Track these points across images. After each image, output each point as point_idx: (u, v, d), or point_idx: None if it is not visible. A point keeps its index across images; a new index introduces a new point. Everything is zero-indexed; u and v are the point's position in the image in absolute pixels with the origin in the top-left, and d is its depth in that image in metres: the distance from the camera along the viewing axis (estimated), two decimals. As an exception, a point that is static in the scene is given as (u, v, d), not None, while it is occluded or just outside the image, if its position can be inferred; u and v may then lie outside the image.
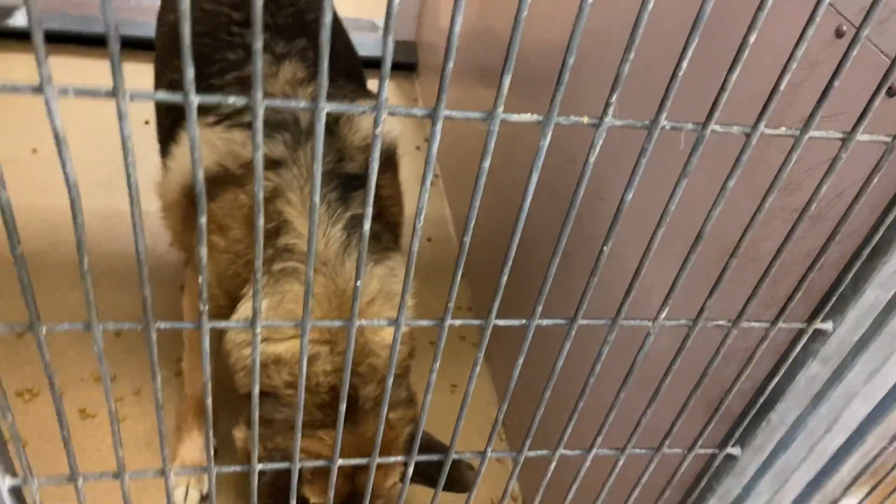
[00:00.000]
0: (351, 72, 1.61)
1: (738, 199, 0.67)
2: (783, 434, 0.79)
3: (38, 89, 0.38)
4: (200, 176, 0.44)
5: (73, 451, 0.58)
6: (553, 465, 0.77)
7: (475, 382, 0.64)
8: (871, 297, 0.65)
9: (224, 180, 1.26)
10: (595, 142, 0.49)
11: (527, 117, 0.48)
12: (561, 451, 0.76)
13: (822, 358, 0.70)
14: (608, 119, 0.49)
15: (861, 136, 0.52)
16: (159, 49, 1.59)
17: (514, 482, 0.91)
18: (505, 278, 0.57)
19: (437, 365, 0.61)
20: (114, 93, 0.39)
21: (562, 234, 0.54)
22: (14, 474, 0.65)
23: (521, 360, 0.65)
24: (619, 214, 0.54)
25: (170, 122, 1.39)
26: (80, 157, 2.12)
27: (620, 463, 0.78)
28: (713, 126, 0.50)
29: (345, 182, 1.27)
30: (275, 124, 1.27)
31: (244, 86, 1.36)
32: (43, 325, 0.49)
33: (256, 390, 0.58)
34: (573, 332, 0.63)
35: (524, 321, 0.62)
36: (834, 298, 0.65)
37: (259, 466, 0.67)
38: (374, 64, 2.76)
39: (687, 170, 0.52)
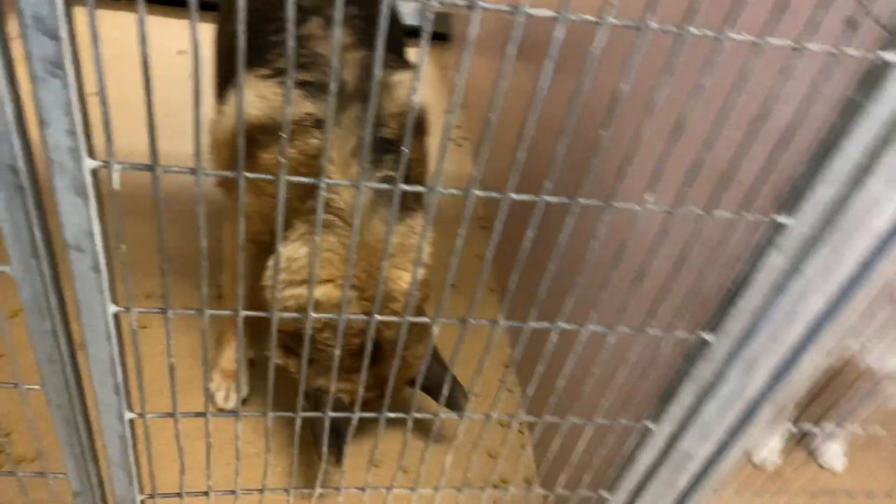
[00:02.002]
0: (392, 42, 1.74)
1: (716, 105, 0.80)
2: (749, 321, 0.93)
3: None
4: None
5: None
6: (551, 336, 0.91)
7: (488, 321, 0.79)
8: (824, 193, 0.79)
9: (274, 131, 1.39)
10: (596, 37, 0.63)
11: (544, 12, 0.62)
12: (560, 324, 0.91)
13: (782, 249, 0.84)
14: (608, 18, 0.63)
15: (811, 45, 0.66)
16: (222, 1, 1.73)
17: (514, 370, 1.05)
18: (521, 155, 0.71)
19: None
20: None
21: (569, 115, 0.68)
22: (116, 302, 0.80)
23: (529, 234, 0.79)
24: (616, 104, 0.68)
25: (228, 69, 1.53)
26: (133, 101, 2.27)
27: (612, 340, 0.93)
28: (691, 29, 0.64)
29: (379, 146, 1.40)
30: (322, 86, 1.39)
31: (296, 43, 1.49)
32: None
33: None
34: (575, 209, 0.77)
35: (535, 197, 0.77)
36: (792, 194, 0.79)
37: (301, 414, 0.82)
38: (413, 32, 2.90)
39: (670, 66, 0.66)
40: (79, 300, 0.78)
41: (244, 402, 1.65)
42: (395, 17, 1.82)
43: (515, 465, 1.65)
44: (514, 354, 0.86)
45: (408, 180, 1.46)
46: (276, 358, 1.39)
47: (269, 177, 0.69)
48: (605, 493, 1.22)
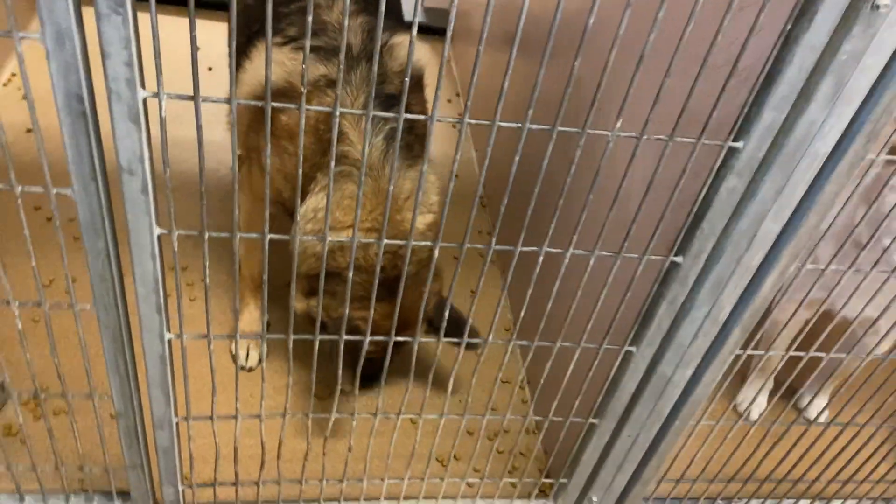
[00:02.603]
0: (390, 8, 1.87)
1: (672, 41, 0.91)
2: (714, 243, 1.05)
3: None
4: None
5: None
6: (541, 259, 1.03)
7: (489, 287, 0.91)
8: (769, 119, 0.91)
9: (291, 95, 1.52)
10: (564, -24, 0.76)
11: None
12: (545, 248, 1.03)
13: (736, 172, 0.96)
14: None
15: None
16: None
17: (505, 297, 1.16)
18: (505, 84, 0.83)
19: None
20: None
21: (549, 37, 0.81)
22: (160, 225, 0.93)
23: (517, 159, 0.91)
24: (586, 34, 0.80)
25: (244, 40, 1.67)
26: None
27: (592, 262, 1.05)
28: (643, -31, 0.77)
29: (385, 101, 1.54)
30: (331, 50, 1.53)
31: (304, 14, 1.63)
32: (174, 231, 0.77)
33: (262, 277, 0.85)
34: (555, 136, 0.89)
35: (518, 124, 0.89)
36: (741, 119, 0.91)
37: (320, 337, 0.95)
38: (423, 29, 3.04)
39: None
40: (128, 221, 0.90)
41: (265, 360, 1.78)
42: None
43: (511, 393, 1.78)
44: (506, 281, 0.97)
45: (412, 131, 1.58)
46: (297, 302, 1.51)
47: (293, 105, 0.81)
48: (593, 420, 1.33)
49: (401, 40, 1.59)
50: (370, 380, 1.38)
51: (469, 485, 1.59)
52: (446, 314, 1.15)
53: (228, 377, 1.72)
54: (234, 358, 1.78)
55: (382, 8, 0.76)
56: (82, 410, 1.46)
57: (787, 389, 1.59)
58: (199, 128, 0.81)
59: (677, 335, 1.17)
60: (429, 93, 1.78)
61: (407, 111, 1.60)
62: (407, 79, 0.82)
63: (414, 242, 1.02)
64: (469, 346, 1.52)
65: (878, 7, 0.81)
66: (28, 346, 1.06)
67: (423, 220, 1.57)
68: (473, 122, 0.89)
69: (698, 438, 1.42)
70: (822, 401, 1.97)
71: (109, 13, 0.72)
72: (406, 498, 1.46)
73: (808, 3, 0.83)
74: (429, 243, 1.04)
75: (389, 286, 1.25)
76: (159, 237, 0.94)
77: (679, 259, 1.07)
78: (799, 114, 0.90)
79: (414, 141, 1.61)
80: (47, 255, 1.80)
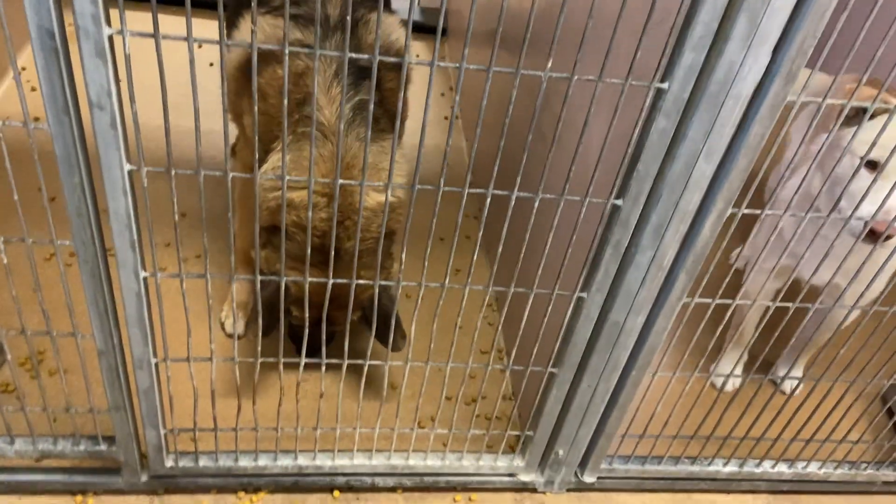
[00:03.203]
0: None
1: None
2: (651, 186, 1.11)
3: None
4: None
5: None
6: (512, 202, 1.10)
7: (474, 267, 0.99)
8: (689, 59, 0.97)
9: (267, 58, 1.61)
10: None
11: None
12: (516, 192, 1.09)
13: (664, 113, 1.02)
14: None
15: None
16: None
17: (480, 237, 1.22)
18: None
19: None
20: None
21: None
22: (130, 161, 1.01)
23: (484, 102, 0.99)
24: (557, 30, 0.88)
25: (230, 12, 1.77)
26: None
27: (535, 205, 1.12)
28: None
29: (358, 72, 1.62)
30: (309, 19, 1.63)
31: None
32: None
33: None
34: (517, 80, 0.96)
35: (484, 67, 0.96)
36: (665, 61, 0.98)
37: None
38: (419, 28, 3.15)
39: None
40: (100, 156, 0.99)
41: (246, 327, 1.87)
42: None
43: (486, 342, 1.86)
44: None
45: (382, 104, 1.65)
46: (253, 252, 1.59)
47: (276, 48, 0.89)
48: (553, 369, 1.39)
49: (374, 17, 1.68)
50: (312, 350, 1.43)
51: (441, 442, 1.66)
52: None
53: (204, 320, 1.80)
54: (223, 326, 1.86)
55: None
56: (68, 352, 1.56)
57: (763, 363, 1.64)
58: (160, 63, 0.90)
59: (625, 281, 1.23)
60: (414, 90, 1.86)
61: (380, 88, 1.69)
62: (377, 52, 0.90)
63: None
64: (394, 346, 1.57)
65: (780, -52, 0.88)
66: (13, 284, 1.15)
67: (377, 197, 1.58)
68: (446, 65, 0.96)
69: (658, 392, 1.47)
70: (797, 373, 2.01)
71: (74, -48, 0.81)
72: (378, 451, 1.52)
73: (715, -55, 0.90)
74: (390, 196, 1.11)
75: (328, 256, 1.28)
76: (130, 173, 1.02)
77: (619, 202, 1.14)
78: (718, 54, 0.97)
79: (382, 115, 1.68)
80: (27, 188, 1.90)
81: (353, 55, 0.99)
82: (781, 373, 1.98)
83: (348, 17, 0.90)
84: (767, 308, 1.46)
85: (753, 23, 0.94)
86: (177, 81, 0.93)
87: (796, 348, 1.94)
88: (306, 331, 1.32)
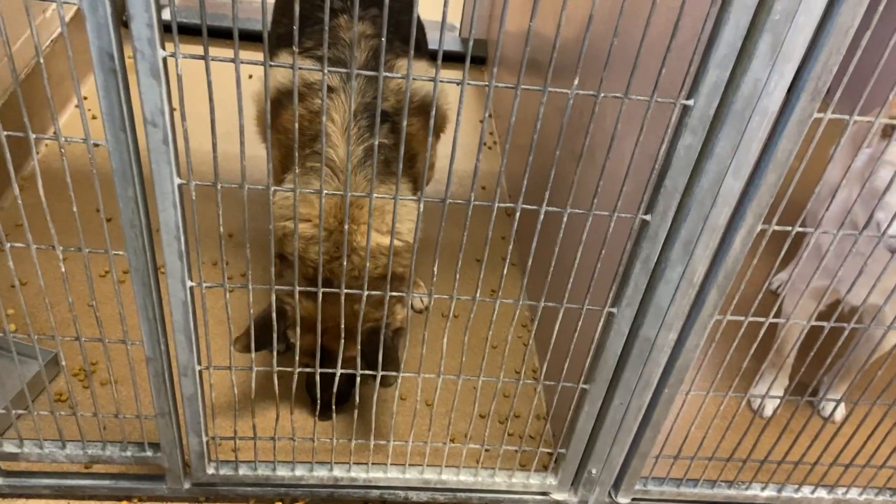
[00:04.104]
0: (405, 36, 2.02)
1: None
2: (679, 201, 1.13)
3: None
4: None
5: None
6: (541, 217, 1.13)
7: (508, 285, 1.03)
8: (714, 76, 1.00)
9: (291, 95, 1.69)
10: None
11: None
12: (545, 207, 1.13)
13: (691, 129, 1.05)
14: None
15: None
16: (275, 9, 2.10)
17: (511, 248, 1.25)
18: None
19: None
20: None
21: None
22: (180, 175, 1.08)
23: (513, 119, 1.03)
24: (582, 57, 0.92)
25: (272, 51, 1.86)
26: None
27: (589, 222, 1.14)
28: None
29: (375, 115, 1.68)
30: (335, 61, 1.72)
31: (323, 31, 1.81)
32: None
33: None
34: (545, 97, 1.01)
35: (511, 85, 1.01)
36: (690, 78, 1.01)
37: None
38: (454, 57, 3.23)
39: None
40: (152, 171, 1.06)
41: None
42: (414, 20, 2.10)
43: (519, 361, 1.86)
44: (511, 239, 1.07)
45: (396, 148, 1.70)
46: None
47: (286, 65, 0.95)
48: (584, 385, 1.40)
49: (402, 63, 1.74)
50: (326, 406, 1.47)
51: (473, 458, 1.67)
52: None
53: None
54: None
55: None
56: (119, 363, 1.62)
57: (800, 385, 1.63)
58: (209, 83, 0.96)
59: (655, 296, 1.25)
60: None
61: (396, 130, 1.73)
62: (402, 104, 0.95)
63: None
64: (384, 382, 1.55)
65: (801, -32, 0.91)
66: (70, 291, 1.22)
67: (381, 239, 1.60)
68: (472, 83, 1.01)
69: (693, 412, 1.47)
70: (837, 395, 1.98)
71: (134, -20, 0.88)
72: (411, 465, 1.55)
73: (738, -33, 0.93)
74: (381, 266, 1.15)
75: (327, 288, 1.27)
76: (179, 186, 1.09)
77: (648, 217, 1.16)
78: (744, 72, 0.99)
79: (395, 159, 1.70)
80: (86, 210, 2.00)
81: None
82: (823, 398, 1.95)
83: (381, 61, 0.95)
84: (808, 330, 1.45)
85: (777, 40, 0.96)
86: (222, 109, 1.00)
87: (835, 370, 1.91)
88: (318, 354, 1.35)
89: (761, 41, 0.97)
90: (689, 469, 1.59)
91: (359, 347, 1.33)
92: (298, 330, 1.45)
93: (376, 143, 1.03)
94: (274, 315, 1.34)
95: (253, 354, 1.76)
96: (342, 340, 1.30)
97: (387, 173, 1.66)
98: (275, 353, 1.35)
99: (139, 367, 1.32)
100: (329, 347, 1.48)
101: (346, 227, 1.16)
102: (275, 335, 1.34)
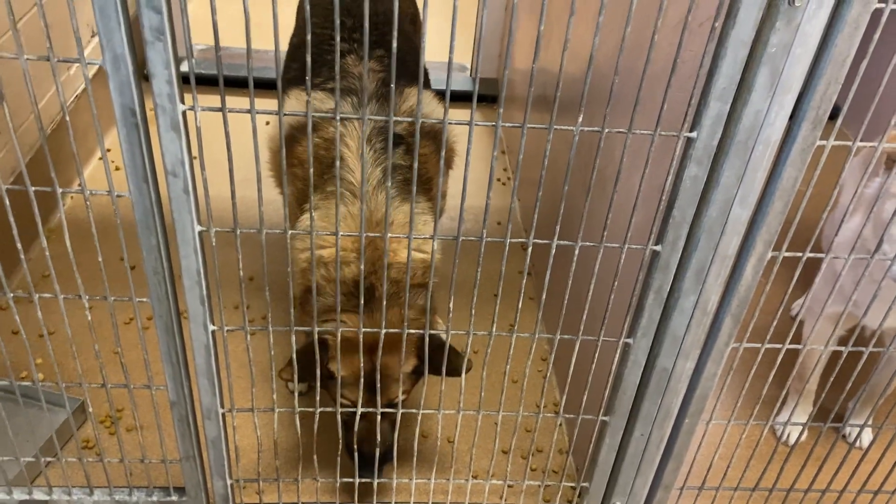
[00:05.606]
0: (412, 73, 2.08)
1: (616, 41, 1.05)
2: (688, 231, 1.14)
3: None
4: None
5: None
6: (553, 251, 1.15)
7: (527, 319, 1.06)
8: (715, 109, 1.02)
9: (305, 128, 1.75)
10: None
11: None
12: (556, 241, 1.15)
13: (695, 160, 1.07)
14: None
15: (670, -12, 0.92)
16: (288, 54, 2.17)
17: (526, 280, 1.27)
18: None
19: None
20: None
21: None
22: (200, 223, 1.11)
23: (520, 156, 1.06)
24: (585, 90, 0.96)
25: (283, 88, 1.92)
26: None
27: (600, 254, 1.16)
28: (580, -18, 0.92)
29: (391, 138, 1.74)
30: (347, 90, 1.79)
31: (333, 66, 1.88)
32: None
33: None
34: (551, 135, 1.04)
35: (518, 124, 1.04)
36: (692, 111, 1.03)
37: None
38: (462, 97, 3.29)
39: None
40: (174, 219, 1.09)
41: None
42: (418, 62, 2.16)
43: (538, 395, 1.87)
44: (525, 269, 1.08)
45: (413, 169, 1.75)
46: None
47: (300, 113, 0.99)
48: (604, 417, 1.41)
49: (412, 91, 1.81)
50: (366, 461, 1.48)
51: (497, 495, 1.67)
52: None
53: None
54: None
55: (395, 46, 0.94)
56: (144, 409, 1.65)
57: (823, 411, 1.61)
58: (227, 134, 1.00)
59: (670, 326, 1.26)
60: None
61: (411, 152, 1.79)
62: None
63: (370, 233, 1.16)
64: (452, 373, 1.57)
65: (793, 3, 0.93)
66: (96, 339, 1.25)
67: (414, 253, 1.65)
68: (481, 123, 1.04)
69: (714, 442, 1.47)
70: (861, 421, 1.95)
71: (154, 40, 0.93)
72: (435, 503, 1.55)
73: (732, 2, 0.96)
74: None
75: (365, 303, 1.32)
76: (200, 233, 1.12)
77: (658, 248, 1.17)
78: (744, 103, 1.02)
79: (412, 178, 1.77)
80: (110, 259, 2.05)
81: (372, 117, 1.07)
82: (849, 424, 1.92)
83: (392, 86, 0.99)
84: (830, 356, 1.45)
85: (775, 72, 0.99)
86: (239, 156, 1.04)
87: (858, 394, 1.89)
88: (361, 383, 1.37)
89: (759, 73, 0.99)
90: (714, 500, 1.57)
91: (415, 355, 1.37)
92: (339, 355, 1.43)
93: (390, 152, 1.05)
94: (316, 347, 1.35)
95: (296, 387, 1.77)
96: (378, 381, 1.30)
97: (406, 191, 1.71)
98: (296, 394, 1.37)
99: (164, 411, 1.35)
100: (384, 365, 1.47)
101: (387, 236, 1.16)
102: (318, 368, 1.36)
